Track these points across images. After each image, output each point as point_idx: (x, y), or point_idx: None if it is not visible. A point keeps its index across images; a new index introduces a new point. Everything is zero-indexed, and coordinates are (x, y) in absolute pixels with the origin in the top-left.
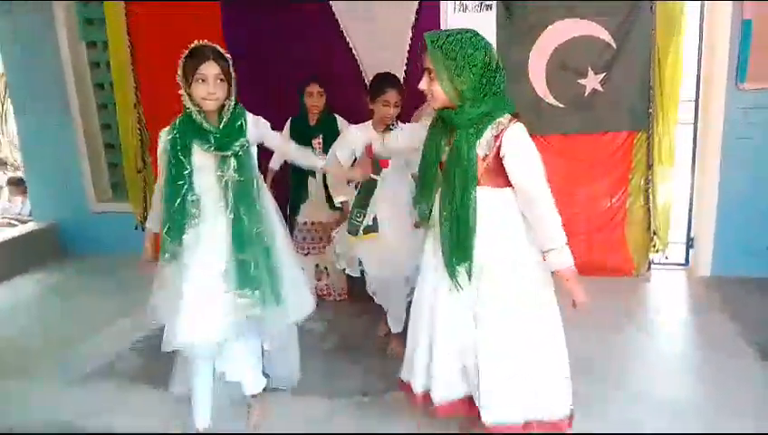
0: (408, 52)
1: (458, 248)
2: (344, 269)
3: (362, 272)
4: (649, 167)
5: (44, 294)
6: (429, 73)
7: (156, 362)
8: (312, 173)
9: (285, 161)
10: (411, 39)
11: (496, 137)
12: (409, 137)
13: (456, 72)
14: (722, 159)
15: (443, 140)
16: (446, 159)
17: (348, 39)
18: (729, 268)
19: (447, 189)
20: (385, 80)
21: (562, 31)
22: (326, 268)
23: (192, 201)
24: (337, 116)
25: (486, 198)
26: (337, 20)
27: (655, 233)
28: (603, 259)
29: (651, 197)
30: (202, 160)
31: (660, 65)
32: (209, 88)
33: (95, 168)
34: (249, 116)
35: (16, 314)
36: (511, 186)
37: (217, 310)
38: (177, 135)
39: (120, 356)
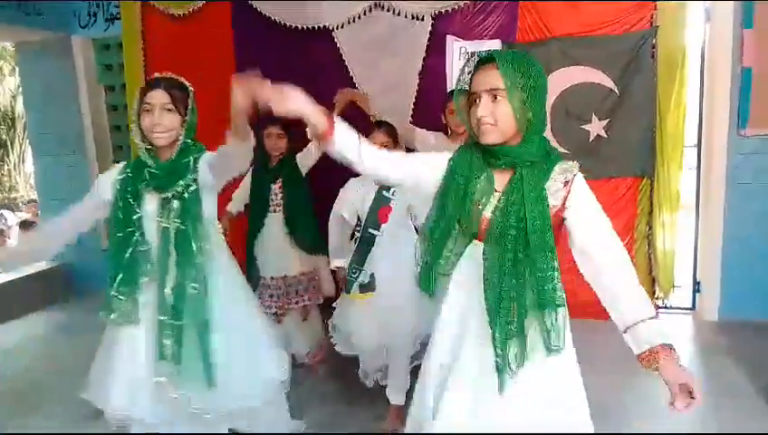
0: (416, 96)
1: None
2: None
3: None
4: (650, 213)
5: (56, 332)
6: (494, 95)
7: None
8: (269, 209)
9: (246, 205)
10: (418, 84)
11: (566, 183)
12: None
13: (529, 93)
14: (725, 204)
15: (481, 184)
16: (499, 212)
17: (357, 84)
18: (736, 312)
19: (504, 256)
20: (373, 124)
21: (566, 77)
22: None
23: (142, 251)
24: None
25: None
26: (346, 65)
27: (654, 280)
28: None
29: (652, 243)
30: (150, 206)
31: (663, 112)
32: (154, 118)
33: None
34: (206, 155)
35: (29, 352)
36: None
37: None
38: (130, 175)
39: None
